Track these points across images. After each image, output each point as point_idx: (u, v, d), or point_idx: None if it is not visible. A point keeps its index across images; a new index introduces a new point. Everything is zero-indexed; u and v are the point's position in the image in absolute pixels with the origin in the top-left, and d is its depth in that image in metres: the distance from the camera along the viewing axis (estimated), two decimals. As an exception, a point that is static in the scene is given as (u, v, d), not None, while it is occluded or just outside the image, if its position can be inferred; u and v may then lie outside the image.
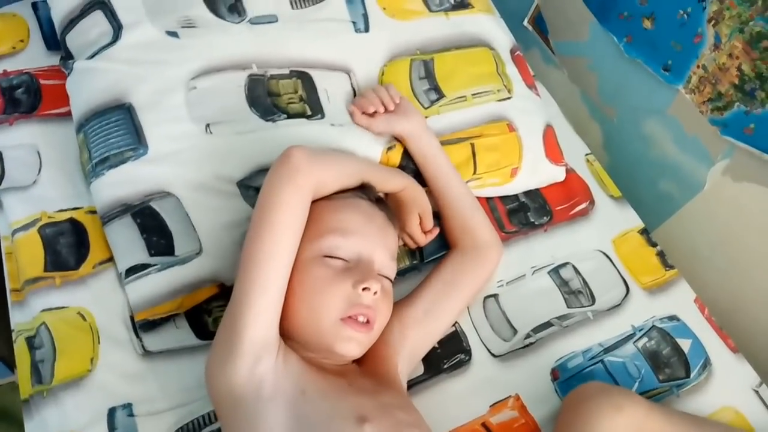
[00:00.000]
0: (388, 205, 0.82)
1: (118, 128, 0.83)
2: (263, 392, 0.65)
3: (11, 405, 1.33)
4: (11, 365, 1.26)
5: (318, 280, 0.71)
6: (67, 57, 0.90)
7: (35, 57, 0.99)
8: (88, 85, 0.85)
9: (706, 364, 0.93)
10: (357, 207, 0.76)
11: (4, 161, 0.89)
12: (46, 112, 0.94)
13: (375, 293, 0.70)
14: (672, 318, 0.97)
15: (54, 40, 0.95)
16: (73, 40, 0.89)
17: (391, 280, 0.76)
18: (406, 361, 0.81)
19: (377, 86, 0.92)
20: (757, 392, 0.93)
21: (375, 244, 0.74)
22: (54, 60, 0.97)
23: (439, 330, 0.86)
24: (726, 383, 0.92)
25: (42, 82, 0.96)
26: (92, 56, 0.86)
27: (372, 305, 0.71)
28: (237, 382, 0.66)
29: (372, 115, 0.89)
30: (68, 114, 0.89)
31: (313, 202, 0.75)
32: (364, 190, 0.80)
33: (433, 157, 0.90)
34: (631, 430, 0.75)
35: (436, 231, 0.90)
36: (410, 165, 0.92)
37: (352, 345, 0.71)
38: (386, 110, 0.89)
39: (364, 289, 0.70)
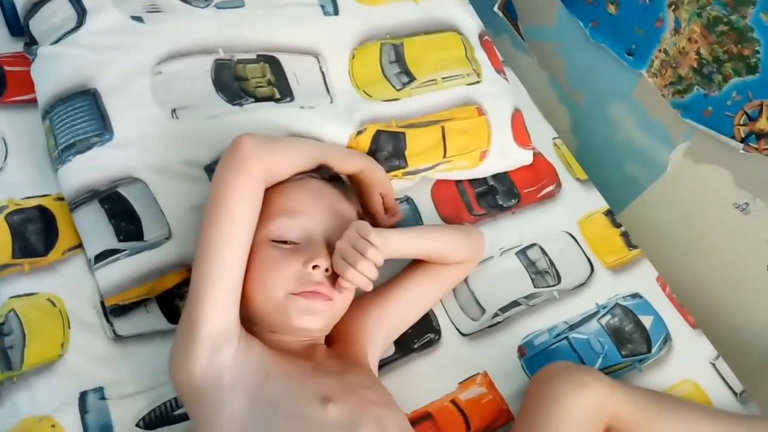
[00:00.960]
0: (344, 182, 0.83)
1: (83, 114, 0.83)
2: (223, 380, 0.66)
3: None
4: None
5: (268, 262, 0.71)
6: (31, 43, 0.89)
7: (-2, 43, 0.98)
8: (53, 71, 0.85)
9: (667, 339, 0.97)
10: (305, 187, 0.76)
11: (-31, 149, 0.88)
12: (11, 99, 0.92)
13: (327, 270, 0.71)
14: (635, 296, 1.00)
15: (17, 26, 0.94)
16: (36, 25, 0.88)
17: None
18: (380, 344, 0.83)
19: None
20: (713, 365, 0.97)
21: (325, 221, 0.74)
22: (18, 46, 0.96)
23: (414, 317, 0.88)
24: (685, 357, 0.96)
25: (6, 68, 0.95)
26: (56, 42, 0.85)
27: (323, 281, 0.71)
28: (197, 372, 0.66)
29: None
30: (34, 101, 0.88)
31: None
32: (315, 170, 0.79)
33: (399, 253, 0.81)
34: (594, 407, 0.77)
35: (399, 213, 0.91)
36: (380, 149, 0.93)
37: (311, 318, 0.71)
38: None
39: (314, 267, 0.70)
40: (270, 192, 0.75)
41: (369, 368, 0.79)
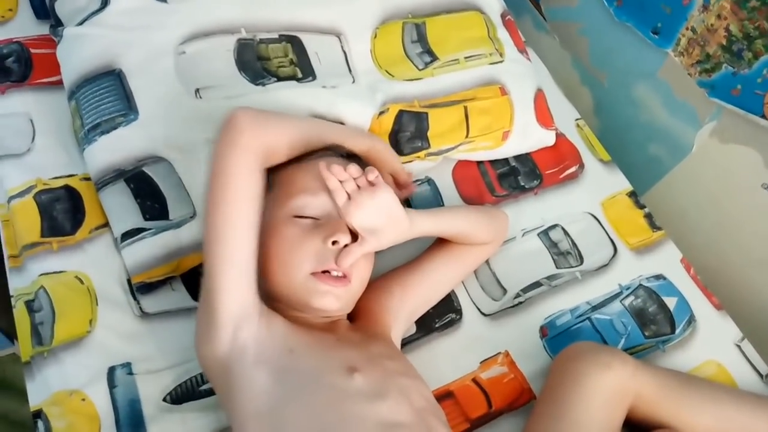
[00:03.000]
0: (361, 158, 0.81)
1: (108, 94, 0.84)
2: (247, 358, 0.66)
3: (12, 376, 1.35)
4: (11, 336, 1.29)
5: (288, 239, 0.71)
6: (57, 24, 0.90)
7: (25, 26, 0.99)
8: (78, 52, 0.86)
9: (691, 320, 0.96)
10: (326, 165, 0.75)
11: (-2, 129, 0.89)
12: (38, 81, 0.94)
13: (346, 246, 0.71)
14: (658, 277, 0.99)
15: (43, 9, 0.95)
16: (62, 7, 0.89)
17: None
18: (403, 322, 0.83)
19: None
20: (739, 347, 0.95)
21: None
22: (44, 29, 0.97)
23: (437, 296, 0.88)
24: (709, 338, 0.95)
25: (33, 51, 0.97)
26: (81, 23, 0.86)
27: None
28: (221, 351, 0.67)
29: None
30: (60, 83, 0.90)
31: (283, 165, 0.75)
32: (331, 148, 0.79)
33: (425, 231, 0.81)
34: (618, 387, 0.77)
35: (413, 187, 0.90)
36: (403, 130, 0.93)
37: (328, 299, 0.71)
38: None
39: (333, 242, 0.70)
40: (291, 170, 0.75)
41: (392, 342, 0.79)
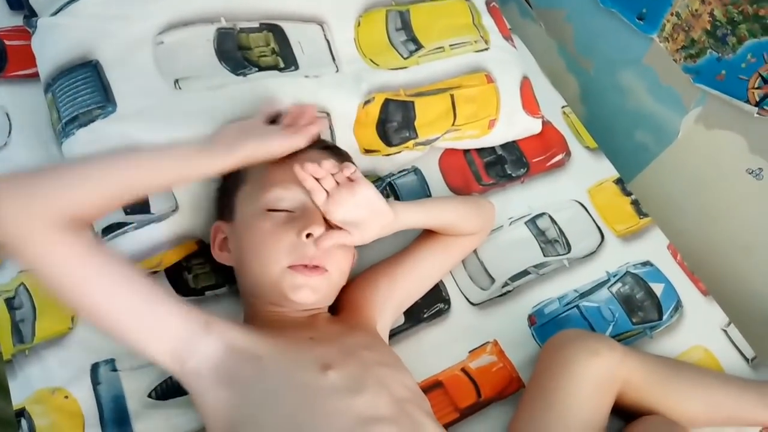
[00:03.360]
0: (344, 152, 0.81)
1: (85, 86, 0.81)
2: (204, 381, 0.64)
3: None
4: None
5: (263, 233, 0.70)
6: (31, 15, 0.88)
7: (-2, 17, 0.97)
8: (54, 43, 0.83)
9: (678, 306, 0.96)
10: (300, 158, 0.73)
11: (-27, 124, 0.87)
12: (13, 74, 0.92)
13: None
14: (645, 264, 0.99)
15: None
16: (35, -4, 0.87)
17: None
18: (390, 314, 0.82)
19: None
20: (725, 332, 0.96)
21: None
22: (17, 20, 0.95)
23: (425, 287, 0.88)
24: (696, 324, 0.95)
25: (7, 42, 0.94)
26: (56, 12, 0.83)
27: (317, 254, 0.70)
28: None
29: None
30: (36, 75, 0.87)
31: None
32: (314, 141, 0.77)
33: (411, 223, 0.81)
34: (607, 374, 0.77)
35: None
36: (390, 120, 0.91)
37: (304, 292, 0.69)
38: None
39: (307, 235, 0.69)
40: (264, 164, 0.74)
41: (375, 332, 0.78)
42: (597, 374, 0.76)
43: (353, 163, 0.80)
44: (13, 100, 0.90)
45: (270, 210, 0.71)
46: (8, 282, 0.80)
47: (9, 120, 0.88)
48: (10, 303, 0.78)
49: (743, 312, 1.04)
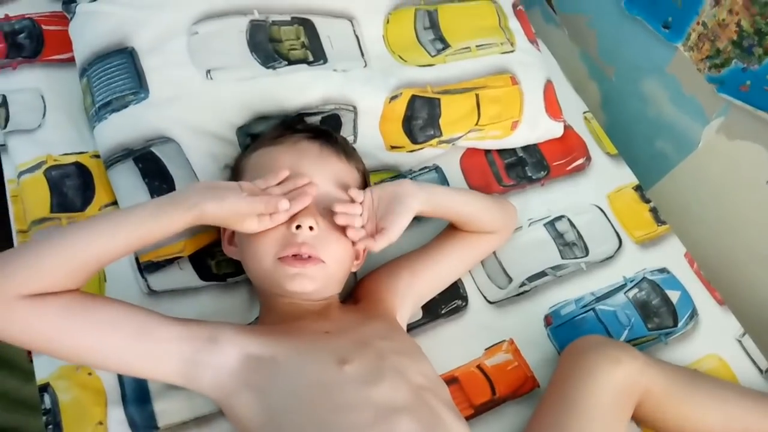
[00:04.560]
0: (336, 137, 0.80)
1: (120, 72, 0.84)
2: (223, 391, 0.66)
3: (14, 355, 1.35)
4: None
5: None
6: (70, 1, 0.90)
7: (36, 2, 0.99)
8: (91, 29, 0.85)
9: (693, 314, 0.96)
10: (290, 147, 0.74)
11: (9, 104, 0.89)
12: (49, 58, 0.94)
13: (311, 228, 0.69)
14: (662, 270, 1.00)
15: (55, -14, 0.95)
16: (75, -17, 0.89)
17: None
18: (409, 307, 0.83)
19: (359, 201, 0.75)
20: (740, 342, 0.96)
21: (311, 179, 0.72)
22: (55, 6, 0.97)
23: (444, 283, 0.88)
24: (711, 333, 0.96)
25: (44, 27, 0.96)
26: (94, -1, 0.86)
27: (308, 241, 0.69)
28: (209, 397, 0.68)
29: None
30: (71, 60, 0.89)
31: (247, 152, 0.75)
32: (297, 125, 0.78)
33: (441, 207, 0.82)
34: (628, 382, 0.76)
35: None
36: (416, 116, 0.92)
37: (300, 281, 0.69)
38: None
39: (297, 226, 0.69)
40: (254, 157, 0.75)
41: (394, 321, 0.78)
42: (618, 382, 0.76)
43: (347, 144, 0.81)
44: (49, 84, 0.92)
45: None
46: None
47: (44, 102, 0.90)
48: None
49: (758, 322, 1.04)
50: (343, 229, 0.72)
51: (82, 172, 0.86)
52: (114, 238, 0.63)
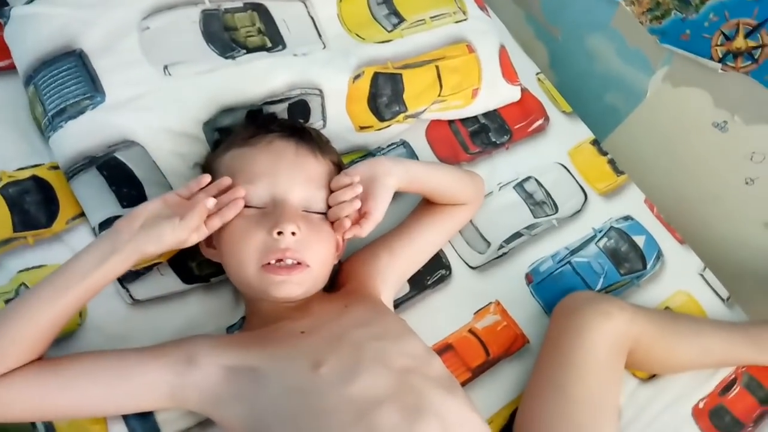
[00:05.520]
0: (311, 132, 0.79)
1: (70, 76, 0.79)
2: (211, 407, 0.66)
3: None
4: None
5: (235, 233, 0.70)
6: (1, 5, 0.84)
7: (-42, 9, 0.91)
8: (32, 33, 0.80)
9: (659, 255, 1.02)
10: (264, 148, 0.73)
11: (-53, 123, 0.83)
12: (-17, 68, 0.87)
13: (293, 233, 0.68)
14: (627, 218, 1.05)
15: (-20, -12, 0.88)
16: (5, -16, 0.83)
17: (323, 212, 0.74)
18: (393, 285, 0.84)
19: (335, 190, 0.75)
20: (702, 276, 1.04)
21: (288, 182, 0.71)
22: (-18, 10, 0.90)
23: (424, 258, 0.89)
24: (676, 271, 1.02)
25: (-28, 35, 0.89)
26: (31, 0, 0.80)
27: (292, 246, 0.68)
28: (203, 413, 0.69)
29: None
30: (10, 68, 0.84)
31: (220, 152, 0.75)
32: (271, 123, 0.77)
33: (416, 180, 0.82)
34: (620, 334, 0.80)
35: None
36: (380, 94, 0.92)
37: (287, 287, 0.69)
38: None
39: (278, 233, 0.68)
40: (229, 158, 0.74)
41: (377, 302, 0.78)
42: (611, 335, 0.79)
43: (321, 138, 0.80)
44: (-11, 96, 0.86)
45: None
46: (7, 283, 0.77)
47: (-13, 117, 0.85)
48: (11, 305, 0.76)
49: (715, 256, 1.11)
50: (323, 229, 0.72)
51: (41, 186, 0.82)
52: (63, 300, 0.63)
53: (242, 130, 0.79)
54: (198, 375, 0.66)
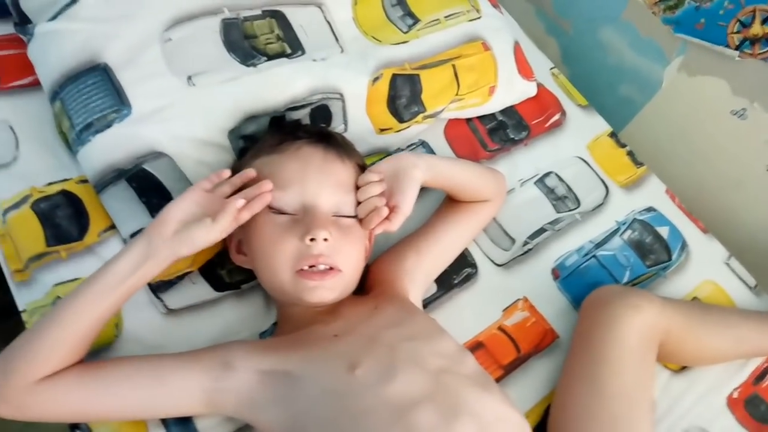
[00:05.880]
0: (336, 137, 0.79)
1: (96, 90, 0.80)
2: (249, 411, 0.67)
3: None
4: None
5: (267, 239, 0.71)
6: (23, 22, 0.85)
7: (-20, 28, 0.92)
8: (56, 50, 0.81)
9: (684, 245, 1.02)
10: (293, 155, 0.74)
11: (-24, 142, 0.84)
12: (9, 85, 0.88)
13: (325, 239, 0.69)
14: (649, 210, 1.05)
15: (2, 6, 0.89)
16: (28, 3, 0.84)
17: (352, 216, 0.74)
18: (420, 284, 0.84)
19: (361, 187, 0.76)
20: (728, 264, 1.03)
21: (317, 188, 0.72)
22: (4, 29, 0.91)
23: (450, 257, 0.90)
24: (702, 260, 1.02)
25: (-4, 53, 0.91)
26: (54, 17, 0.81)
27: (324, 252, 0.69)
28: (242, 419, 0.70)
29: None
30: (35, 84, 0.85)
31: (251, 158, 0.76)
32: (298, 129, 0.78)
33: (441, 175, 0.82)
34: (650, 326, 0.80)
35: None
36: (399, 95, 0.93)
37: (320, 292, 0.70)
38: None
39: (311, 239, 0.68)
40: (259, 165, 0.75)
41: (407, 302, 0.79)
42: (641, 328, 0.79)
43: (346, 142, 0.81)
44: (15, 113, 0.87)
45: (272, 209, 0.71)
46: (42, 297, 0.78)
47: (14, 133, 0.86)
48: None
49: (740, 244, 1.11)
50: (353, 233, 0.73)
51: (71, 200, 0.83)
52: (102, 304, 0.65)
53: (269, 137, 0.79)
54: (234, 380, 0.67)
